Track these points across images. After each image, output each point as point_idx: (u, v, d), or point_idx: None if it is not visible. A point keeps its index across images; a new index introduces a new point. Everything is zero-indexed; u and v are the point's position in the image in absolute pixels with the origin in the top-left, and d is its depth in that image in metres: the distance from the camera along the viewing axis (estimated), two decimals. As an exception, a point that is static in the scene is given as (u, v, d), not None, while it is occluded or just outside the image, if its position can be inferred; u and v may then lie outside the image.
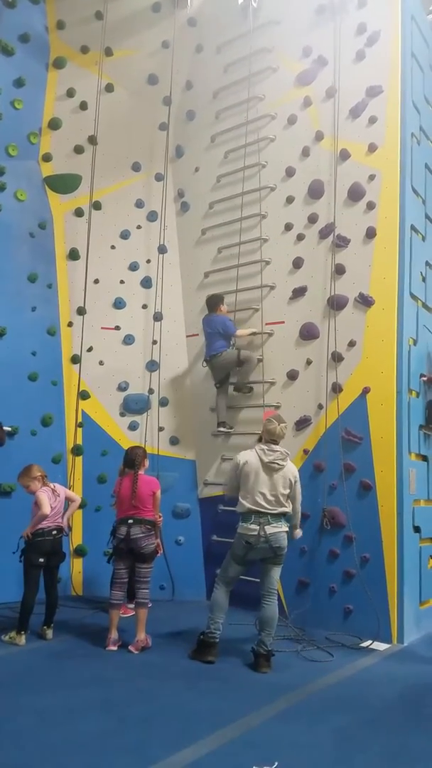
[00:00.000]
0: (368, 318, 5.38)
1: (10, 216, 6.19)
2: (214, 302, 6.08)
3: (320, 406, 5.58)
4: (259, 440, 4.51)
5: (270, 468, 4.28)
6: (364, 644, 4.79)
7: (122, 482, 4.69)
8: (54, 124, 6.82)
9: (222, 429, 5.96)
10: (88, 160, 6.73)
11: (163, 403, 6.60)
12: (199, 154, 6.93)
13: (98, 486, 6.28)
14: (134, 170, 7.02)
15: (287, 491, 4.29)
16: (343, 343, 5.47)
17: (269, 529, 4.16)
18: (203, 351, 6.21)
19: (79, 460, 6.36)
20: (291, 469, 4.35)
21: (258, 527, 4.16)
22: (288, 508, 4.30)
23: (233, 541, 4.39)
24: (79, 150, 6.86)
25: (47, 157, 6.77)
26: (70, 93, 6.89)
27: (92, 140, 6.81)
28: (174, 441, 6.56)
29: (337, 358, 5.48)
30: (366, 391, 5.29)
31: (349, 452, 5.29)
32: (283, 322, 5.97)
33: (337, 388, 5.44)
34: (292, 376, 5.83)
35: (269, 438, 4.36)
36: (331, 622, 5.16)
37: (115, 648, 4.50)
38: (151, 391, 6.58)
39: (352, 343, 5.43)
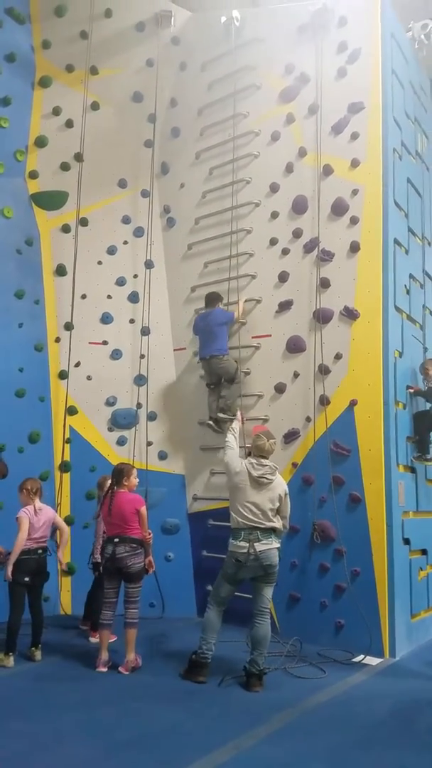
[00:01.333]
0: (354, 331, 5.39)
1: (-3, 233, 6.16)
2: (214, 298, 6.04)
3: (308, 419, 5.56)
4: (248, 455, 4.48)
5: (259, 483, 4.24)
6: (356, 659, 4.73)
7: (107, 500, 4.62)
8: (40, 142, 6.81)
9: (211, 423, 5.84)
10: (74, 177, 6.72)
11: (151, 417, 6.56)
12: (184, 170, 6.95)
13: (86, 502, 6.19)
14: (120, 187, 7.02)
15: (276, 506, 4.24)
16: (330, 356, 5.47)
17: (259, 546, 4.11)
18: (197, 350, 6.08)
19: (67, 476, 6.27)
20: (280, 484, 4.31)
21: (248, 544, 4.11)
22: (278, 524, 4.24)
23: (224, 560, 4.32)
24: (65, 167, 6.85)
25: (34, 174, 6.76)
26: (56, 111, 6.89)
27: (78, 157, 6.81)
28: (163, 456, 6.51)
29: (324, 370, 5.47)
30: (353, 403, 5.27)
31: (338, 465, 5.26)
32: (269, 336, 5.96)
33: (324, 401, 5.42)
34: (280, 389, 5.81)
35: (258, 453, 4.32)
36: (323, 637, 5.09)
37: (105, 669, 4.40)
38: (139, 405, 6.54)
39: (338, 356, 5.43)
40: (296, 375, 5.72)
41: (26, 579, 4.47)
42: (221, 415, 5.83)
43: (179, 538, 6.25)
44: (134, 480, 4.69)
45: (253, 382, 5.98)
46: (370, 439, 5.14)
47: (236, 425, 4.94)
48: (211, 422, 5.87)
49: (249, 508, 4.20)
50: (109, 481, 4.89)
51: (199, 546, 6.19)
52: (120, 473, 4.60)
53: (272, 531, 4.21)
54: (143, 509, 4.58)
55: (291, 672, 4.44)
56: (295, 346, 5.76)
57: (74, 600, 5.99)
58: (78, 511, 6.18)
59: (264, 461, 4.30)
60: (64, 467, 6.26)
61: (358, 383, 5.27)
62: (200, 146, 6.81)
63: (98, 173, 6.88)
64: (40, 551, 4.55)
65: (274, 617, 5.24)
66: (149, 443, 6.46)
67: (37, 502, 4.66)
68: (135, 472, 4.74)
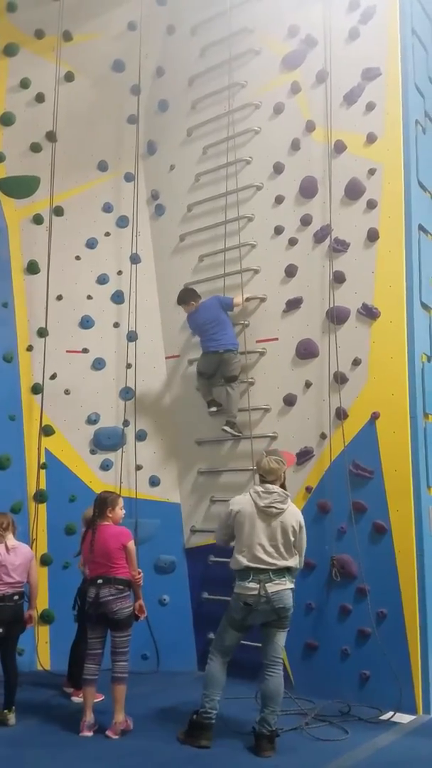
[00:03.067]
0: (374, 332, 5.45)
1: (-43, 225, 6.24)
2: (183, 295, 6.23)
3: (323, 436, 5.60)
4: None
5: (267, 514, 4.26)
6: (385, 717, 4.75)
7: (89, 535, 4.65)
8: (6, 120, 6.92)
9: (227, 429, 5.89)
10: (46, 159, 6.82)
11: (140, 437, 6.60)
12: (174, 149, 7.04)
13: (66, 538, 6.23)
14: (100, 170, 7.11)
15: (291, 540, 4.25)
16: (347, 362, 5.52)
17: (271, 587, 4.13)
18: (201, 344, 6.15)
19: (42, 507, 6.32)
20: (293, 513, 4.32)
21: (258, 585, 4.13)
22: (292, 562, 4.26)
23: (229, 603, 4.35)
24: (35, 148, 6.95)
25: (-1, 157, 6.85)
26: (24, 84, 7.01)
27: (51, 136, 6.91)
28: (154, 481, 6.54)
29: (340, 379, 5.52)
30: (375, 416, 5.32)
31: (359, 489, 5.30)
32: (276, 339, 6.02)
33: (341, 414, 5.47)
34: (289, 401, 5.87)
35: (261, 476, 4.36)
36: (345, 692, 5.10)
37: (90, 733, 4.42)
38: (126, 423, 6.58)
39: (356, 362, 5.49)
40: (308, 385, 5.77)
41: (0, 630, 4.49)
42: (227, 429, 5.87)
43: (175, 578, 6.28)
44: (120, 511, 4.73)
45: (258, 393, 6.04)
46: (395, 458, 5.17)
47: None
48: (227, 427, 5.90)
49: (258, 544, 4.20)
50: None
51: (199, 587, 6.21)
52: (103, 503, 4.64)
53: (286, 570, 4.23)
54: (131, 544, 4.60)
55: (308, 733, 4.46)
56: (305, 351, 5.82)
57: (53, 653, 6.02)
58: (56, 549, 6.22)
59: (271, 487, 4.33)
60: (40, 497, 6.31)
61: (380, 393, 5.32)
62: (192, 121, 6.92)
63: (74, 154, 6.98)
64: (16, 597, 4.59)
65: (288, 668, 5.25)
66: (138, 467, 6.50)
67: (10, 539, 4.71)
68: (121, 502, 4.78)
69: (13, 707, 4.62)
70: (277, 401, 5.94)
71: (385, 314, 5.40)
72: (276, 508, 4.28)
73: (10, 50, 7.01)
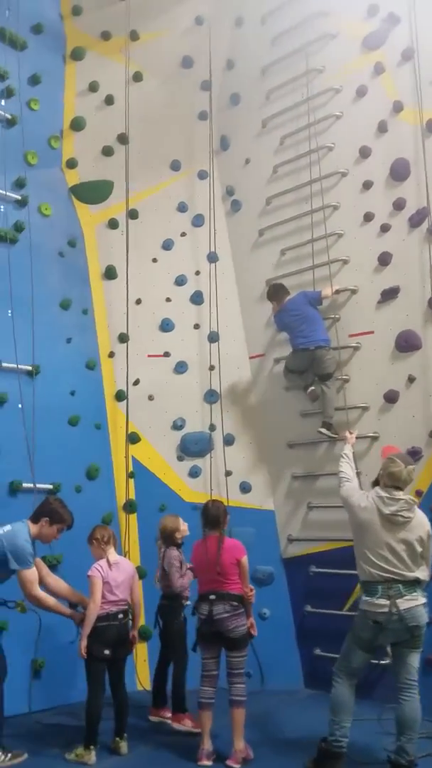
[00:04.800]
0: None
1: (36, 234, 5.98)
2: (274, 290, 5.88)
3: (432, 435, 5.13)
4: (375, 484, 4.08)
5: (392, 522, 3.84)
6: None
7: (200, 547, 4.34)
8: (77, 124, 6.70)
9: (324, 431, 5.50)
10: (119, 162, 6.58)
11: (228, 441, 6.26)
12: (248, 143, 6.72)
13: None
14: (173, 169, 6.86)
15: (418, 550, 3.82)
16: (455, 354, 5.05)
17: (403, 604, 3.71)
18: (292, 341, 5.80)
19: (133, 518, 6.04)
20: (422, 522, 3.90)
21: (388, 602, 3.71)
22: (421, 573, 3.82)
23: (354, 620, 3.94)
24: (107, 152, 6.73)
25: (72, 163, 6.65)
26: (93, 87, 6.78)
27: (122, 139, 6.67)
28: (246, 488, 6.18)
29: (449, 372, 5.05)
30: None
31: None
32: (372, 332, 5.59)
33: (453, 410, 5.00)
34: (391, 398, 5.41)
35: (390, 483, 3.92)
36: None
37: (210, 762, 4.06)
38: (212, 427, 6.28)
39: (466, 352, 5.01)
40: (411, 380, 5.31)
41: (106, 652, 4.19)
42: (323, 431, 5.46)
43: (275, 590, 5.88)
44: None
45: (354, 391, 5.59)
46: None
47: (349, 450, 4.56)
48: (324, 429, 5.50)
49: (382, 555, 3.81)
50: (181, 526, 4.81)
51: (301, 600, 5.81)
52: (226, 510, 4.39)
53: (417, 583, 3.80)
54: (245, 559, 4.27)
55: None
56: (407, 344, 5.36)
57: (153, 672, 5.67)
58: (149, 561, 5.86)
59: (398, 494, 3.90)
60: (130, 507, 6.01)
61: None
62: (267, 112, 6.57)
63: (146, 155, 6.74)
64: (121, 616, 4.27)
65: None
66: (228, 473, 6.16)
67: (112, 554, 4.41)
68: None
69: (125, 735, 4.30)
70: (376, 398, 5.49)
71: None
72: (403, 516, 3.85)
73: (78, 54, 6.79)
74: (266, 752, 4.22)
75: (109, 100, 6.77)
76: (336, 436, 5.52)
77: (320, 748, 3.84)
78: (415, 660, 3.80)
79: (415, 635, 3.75)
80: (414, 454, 5.18)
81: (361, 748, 4.04)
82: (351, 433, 4.92)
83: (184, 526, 4.84)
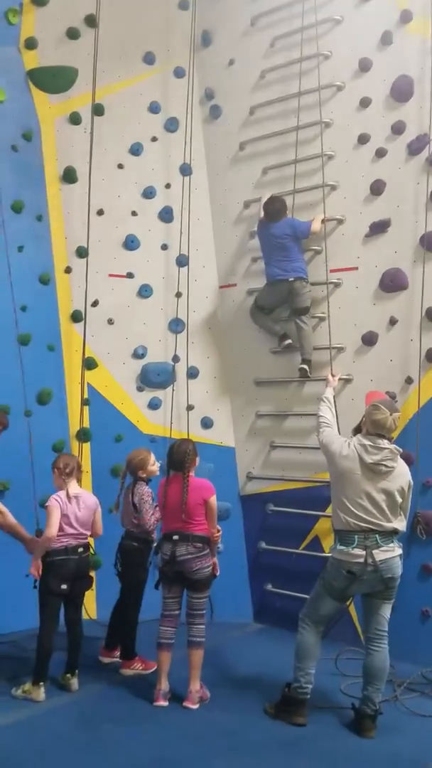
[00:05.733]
0: None
1: (-15, 122, 5.22)
2: (278, 209, 5.30)
3: (409, 380, 4.92)
4: (356, 431, 3.85)
5: (374, 471, 3.64)
6: None
7: (167, 487, 4.07)
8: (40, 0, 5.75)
9: (305, 367, 5.22)
10: (85, 47, 5.74)
11: (192, 374, 5.89)
12: (234, 41, 5.98)
13: (111, 480, 5.54)
14: (146, 63, 6.09)
15: (398, 501, 3.67)
16: (442, 297, 4.79)
17: (379, 555, 3.57)
18: (265, 270, 5.41)
19: (86, 447, 5.65)
20: (403, 473, 3.73)
21: (364, 552, 3.56)
22: (398, 524, 3.68)
23: (325, 568, 3.79)
24: (73, 34, 5.86)
25: (31, 43, 5.75)
26: None
27: (91, 21, 5.79)
28: (207, 423, 5.90)
29: (433, 316, 4.80)
30: (474, 359, 4.65)
31: (450, 440, 4.69)
32: (356, 269, 5.22)
33: (433, 356, 4.79)
34: (369, 340, 5.13)
35: (374, 431, 3.68)
36: (423, 655, 4.63)
37: (165, 703, 3.93)
38: (176, 358, 5.87)
39: (455, 296, 4.75)
40: (393, 322, 5.03)
41: (63, 587, 3.98)
42: (305, 367, 5.18)
43: (230, 525, 5.69)
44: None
45: (331, 330, 5.25)
46: None
47: (330, 393, 4.29)
48: (305, 366, 5.20)
49: (362, 504, 3.63)
50: (151, 460, 4.50)
51: (256, 536, 5.69)
52: (195, 450, 4.11)
53: (394, 533, 3.66)
54: (213, 499, 4.04)
55: (403, 705, 3.99)
56: (392, 283, 5.04)
57: (100, 601, 5.47)
58: (102, 492, 5.43)
59: (382, 442, 3.69)
60: (83, 436, 5.62)
61: None
62: (257, 9, 5.82)
63: (117, 43, 5.92)
64: (80, 549, 4.06)
65: (358, 629, 4.79)
66: (190, 407, 5.83)
67: (73, 486, 4.13)
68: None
69: (76, 671, 4.12)
70: (353, 340, 5.20)
71: None
72: (386, 466, 3.66)
73: None
74: (222, 693, 4.13)
75: (77, -28, 5.82)
76: (310, 376, 5.25)
77: (284, 695, 3.77)
78: (386, 611, 3.71)
79: (389, 586, 3.64)
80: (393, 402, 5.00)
81: (318, 689, 3.97)
82: (333, 375, 4.65)
83: (154, 466, 4.51)
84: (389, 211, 5.08)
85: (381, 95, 5.16)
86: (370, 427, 3.72)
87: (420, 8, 4.98)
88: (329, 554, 5.04)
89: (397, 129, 5.06)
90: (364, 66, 5.25)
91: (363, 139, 5.22)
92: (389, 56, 5.13)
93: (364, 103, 5.24)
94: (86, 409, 5.68)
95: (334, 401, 4.34)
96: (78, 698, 4.01)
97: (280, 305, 5.41)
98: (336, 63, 5.39)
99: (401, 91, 5.06)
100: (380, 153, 5.14)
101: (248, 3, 5.88)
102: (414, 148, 4.98)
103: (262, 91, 5.79)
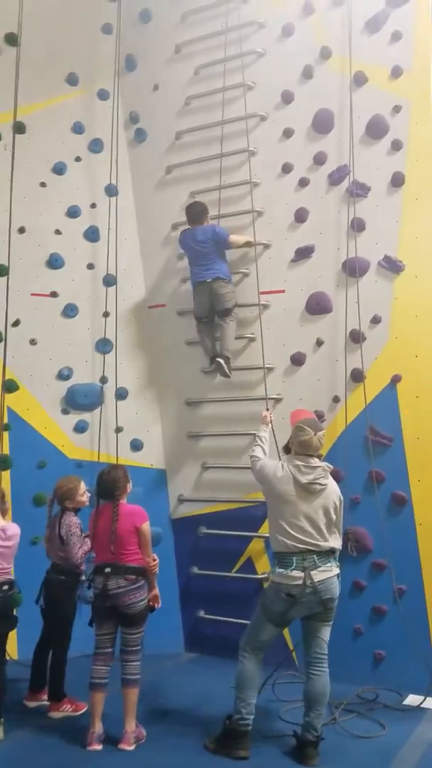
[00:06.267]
0: (396, 287, 4.87)
1: None
2: (199, 212, 5.29)
3: (336, 399, 5.01)
4: (286, 450, 3.84)
5: (309, 491, 3.64)
6: (409, 702, 4.34)
7: (97, 517, 3.88)
8: (-43, 11, 5.51)
9: (221, 362, 5.08)
10: (6, 65, 5.52)
11: (120, 395, 5.72)
12: (158, 67, 5.99)
13: (34, 510, 5.28)
14: (69, 83, 5.97)
15: (333, 518, 3.68)
16: (365, 319, 4.93)
17: (317, 575, 3.54)
18: (189, 277, 5.36)
19: (6, 475, 5.30)
20: (334, 488, 3.76)
21: (303, 574, 3.52)
22: (335, 542, 3.69)
23: (265, 593, 3.72)
24: (-7, 50, 5.65)
25: None
26: (-21, -31, 5.60)
27: (11, 39, 5.61)
28: (137, 445, 5.72)
29: (357, 338, 4.91)
30: (396, 379, 4.80)
31: (377, 457, 4.79)
32: (283, 291, 5.29)
33: (358, 377, 4.88)
34: (298, 360, 5.19)
35: (302, 452, 3.69)
36: (357, 673, 4.64)
37: (99, 747, 3.67)
38: (104, 379, 5.69)
39: (376, 320, 4.90)
40: (319, 343, 5.12)
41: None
42: (221, 362, 5.09)
43: (160, 551, 5.30)
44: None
45: (259, 351, 5.28)
46: (417, 425, 4.69)
47: (264, 433, 4.24)
48: (221, 360, 5.07)
49: (300, 526, 3.60)
50: (81, 490, 4.29)
51: (187, 561, 5.53)
52: (126, 477, 3.94)
53: (331, 553, 3.65)
54: (145, 526, 3.87)
55: (342, 728, 3.94)
56: (318, 306, 5.14)
57: (21, 640, 5.08)
58: (23, 522, 5.14)
59: (313, 461, 3.70)
60: (2, 463, 5.28)
61: (403, 354, 4.78)
62: (182, 37, 5.87)
63: (39, 62, 5.72)
64: (5, 587, 3.76)
65: (290, 645, 4.74)
66: (119, 429, 5.64)
67: (-1, 519, 3.79)
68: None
69: (1, 718, 3.78)
70: (282, 360, 5.25)
71: (410, 268, 4.83)
72: (320, 484, 3.69)
73: None
74: (159, 729, 3.92)
75: (-3, -10, 5.64)
76: (230, 375, 5.18)
77: (225, 727, 3.62)
78: (326, 633, 3.67)
79: (328, 608, 3.61)
80: (317, 419, 5.04)
81: (257, 718, 3.85)
82: (268, 411, 4.58)
83: (83, 497, 4.28)
84: (313, 238, 5.20)
85: (303, 127, 5.30)
86: (297, 448, 3.73)
87: (339, 47, 5.18)
88: (262, 576, 5.08)
89: (319, 159, 5.22)
90: (287, 98, 5.39)
91: (287, 168, 5.33)
92: (310, 90, 5.30)
93: (287, 133, 5.36)
94: (6, 434, 5.35)
95: (270, 437, 4.28)
96: (3, 748, 3.68)
97: (209, 311, 5.26)
98: (260, 94, 5.49)
99: (322, 123, 5.23)
100: (303, 182, 5.26)
101: (172, 30, 5.92)
102: (335, 179, 5.14)
103: (188, 117, 5.81)
